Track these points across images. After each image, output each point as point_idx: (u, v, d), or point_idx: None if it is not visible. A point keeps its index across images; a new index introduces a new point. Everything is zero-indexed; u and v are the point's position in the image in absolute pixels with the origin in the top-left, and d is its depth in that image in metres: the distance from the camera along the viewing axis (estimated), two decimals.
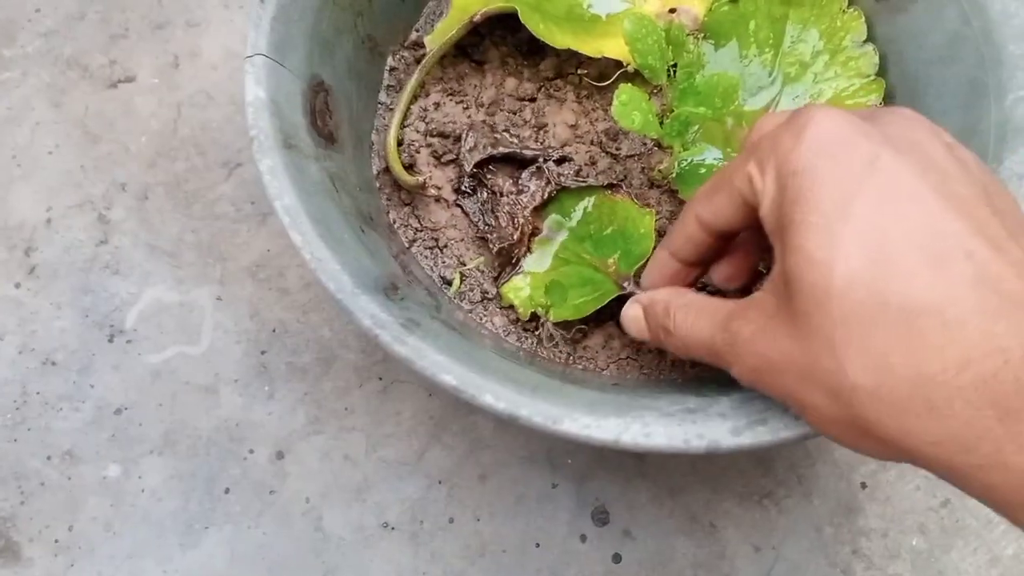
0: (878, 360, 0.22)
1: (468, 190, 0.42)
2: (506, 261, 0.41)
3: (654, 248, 0.38)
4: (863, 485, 0.44)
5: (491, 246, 0.40)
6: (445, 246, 0.42)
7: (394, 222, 0.43)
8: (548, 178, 0.41)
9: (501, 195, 0.41)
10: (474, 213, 0.42)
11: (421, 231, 0.42)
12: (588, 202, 0.41)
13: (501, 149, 0.41)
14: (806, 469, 0.45)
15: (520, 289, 0.40)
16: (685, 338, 0.30)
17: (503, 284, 0.40)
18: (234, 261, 0.47)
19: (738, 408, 0.31)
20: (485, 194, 0.42)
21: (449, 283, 0.41)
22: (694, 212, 0.31)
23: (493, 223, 0.41)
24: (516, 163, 0.42)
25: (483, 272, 0.41)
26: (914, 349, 0.22)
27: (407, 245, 0.42)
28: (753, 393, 0.34)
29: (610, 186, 0.41)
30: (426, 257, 0.42)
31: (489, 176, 0.42)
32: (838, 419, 0.24)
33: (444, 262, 0.42)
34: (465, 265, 0.42)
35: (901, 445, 0.23)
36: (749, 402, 0.32)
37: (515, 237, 0.40)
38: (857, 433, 0.24)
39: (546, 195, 0.40)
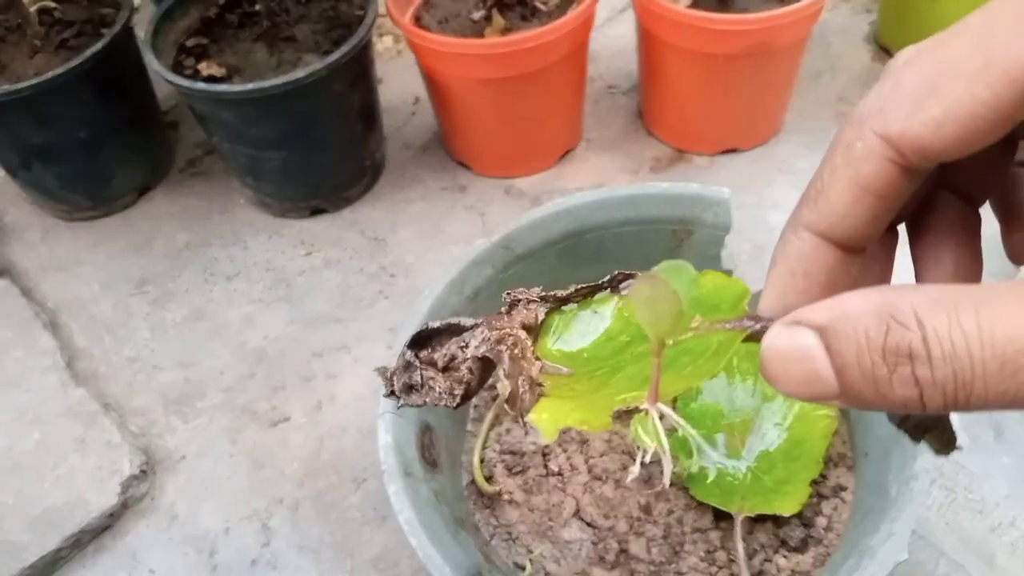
0: None
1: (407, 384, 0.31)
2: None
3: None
4: None
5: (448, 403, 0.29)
6: (516, 538, 0.57)
7: (478, 522, 0.58)
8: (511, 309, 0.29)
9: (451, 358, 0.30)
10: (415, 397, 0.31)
11: (498, 527, 0.57)
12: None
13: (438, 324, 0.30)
14: None
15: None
16: (984, 349, 0.17)
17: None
18: (360, 555, 0.62)
19: None
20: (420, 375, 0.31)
21: (521, 567, 0.55)
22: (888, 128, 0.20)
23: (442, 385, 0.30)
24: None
25: (545, 558, 0.55)
26: None
27: (488, 539, 0.57)
28: None
29: (619, 281, 0.29)
30: (502, 548, 0.56)
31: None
32: None
33: (515, 551, 0.56)
34: (532, 552, 0.56)
35: None
36: None
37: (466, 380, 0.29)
38: None
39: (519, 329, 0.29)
